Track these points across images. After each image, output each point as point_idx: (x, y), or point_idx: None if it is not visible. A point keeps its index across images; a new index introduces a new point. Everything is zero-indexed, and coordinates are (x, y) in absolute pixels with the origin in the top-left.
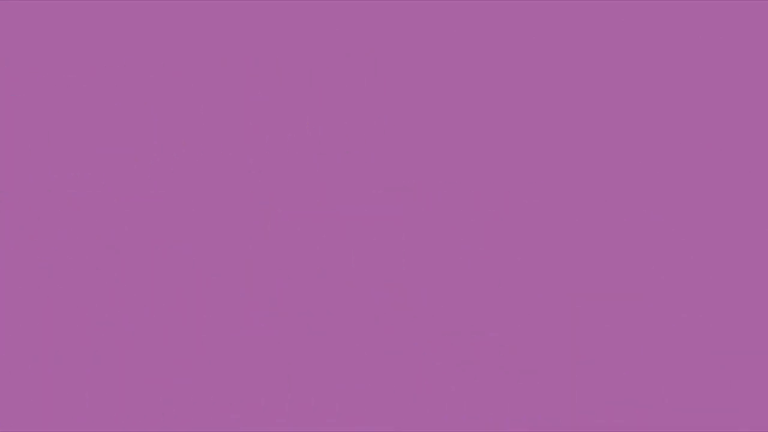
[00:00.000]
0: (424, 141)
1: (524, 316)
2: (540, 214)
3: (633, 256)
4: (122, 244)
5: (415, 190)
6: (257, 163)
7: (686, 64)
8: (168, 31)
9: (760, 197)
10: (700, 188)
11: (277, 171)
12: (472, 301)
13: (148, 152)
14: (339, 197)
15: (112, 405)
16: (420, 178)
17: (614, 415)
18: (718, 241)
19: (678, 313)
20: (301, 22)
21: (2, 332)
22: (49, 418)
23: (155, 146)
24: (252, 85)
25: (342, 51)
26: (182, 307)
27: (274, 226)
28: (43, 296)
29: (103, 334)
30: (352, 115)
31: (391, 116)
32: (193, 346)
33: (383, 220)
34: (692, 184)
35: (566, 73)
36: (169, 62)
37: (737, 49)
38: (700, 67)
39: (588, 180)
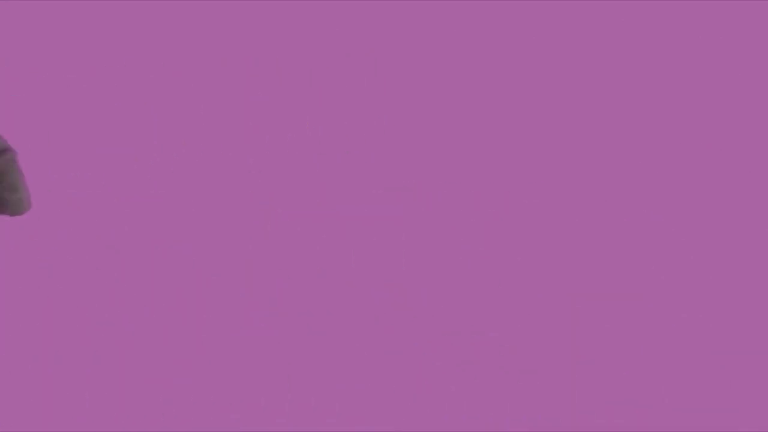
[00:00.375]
0: (425, 141)
1: (524, 316)
2: (540, 214)
3: (633, 256)
4: (122, 244)
5: (416, 190)
6: (257, 163)
7: (687, 64)
8: (168, 31)
9: (760, 197)
10: (700, 188)
11: (277, 171)
12: (472, 301)
13: (147, 152)
14: (339, 197)
15: (112, 405)
16: (420, 178)
17: (614, 415)
18: (718, 241)
19: (678, 313)
20: (302, 21)
21: (2, 332)
22: (49, 418)
23: (155, 146)
24: (252, 85)
25: (342, 51)
26: (182, 307)
27: (274, 226)
28: (43, 296)
29: (103, 334)
30: (352, 115)
31: (391, 116)
32: (193, 346)
33: (383, 220)
34: (692, 184)
35: (567, 73)
36: (169, 62)
37: (737, 49)
38: (700, 66)
39: (588, 180)
